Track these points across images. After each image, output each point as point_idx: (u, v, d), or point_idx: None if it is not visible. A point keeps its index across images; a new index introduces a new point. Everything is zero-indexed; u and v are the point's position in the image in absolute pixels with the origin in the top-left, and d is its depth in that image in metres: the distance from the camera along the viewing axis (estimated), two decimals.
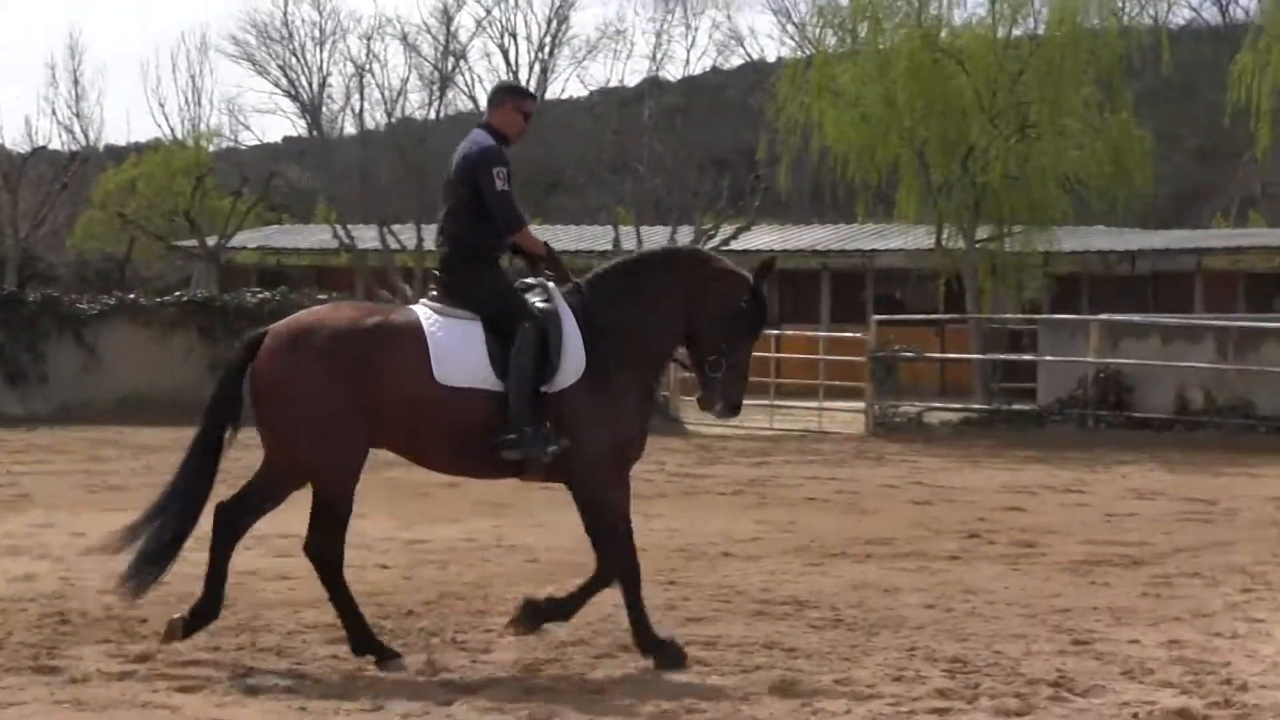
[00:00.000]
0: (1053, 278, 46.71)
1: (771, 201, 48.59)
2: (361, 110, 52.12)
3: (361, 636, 10.47)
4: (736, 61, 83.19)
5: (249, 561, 14.58)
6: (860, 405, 32.09)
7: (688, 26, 66.33)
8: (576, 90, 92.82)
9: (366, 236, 49.46)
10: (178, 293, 40.20)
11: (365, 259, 49.91)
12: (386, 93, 52.92)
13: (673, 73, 67.93)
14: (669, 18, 60.96)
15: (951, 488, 22.36)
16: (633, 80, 77.01)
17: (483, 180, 10.72)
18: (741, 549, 16.13)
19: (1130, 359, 30.98)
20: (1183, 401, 30.54)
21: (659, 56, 63.06)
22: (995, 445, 28.70)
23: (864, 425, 31.46)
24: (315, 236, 58.56)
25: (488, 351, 10.49)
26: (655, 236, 48.14)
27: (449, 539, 16.51)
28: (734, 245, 46.18)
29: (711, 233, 44.73)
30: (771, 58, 72.68)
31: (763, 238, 50.46)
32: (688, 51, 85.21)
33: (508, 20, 73.29)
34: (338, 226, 49.80)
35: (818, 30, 43.20)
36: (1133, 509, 20.04)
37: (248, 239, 58.98)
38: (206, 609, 10.51)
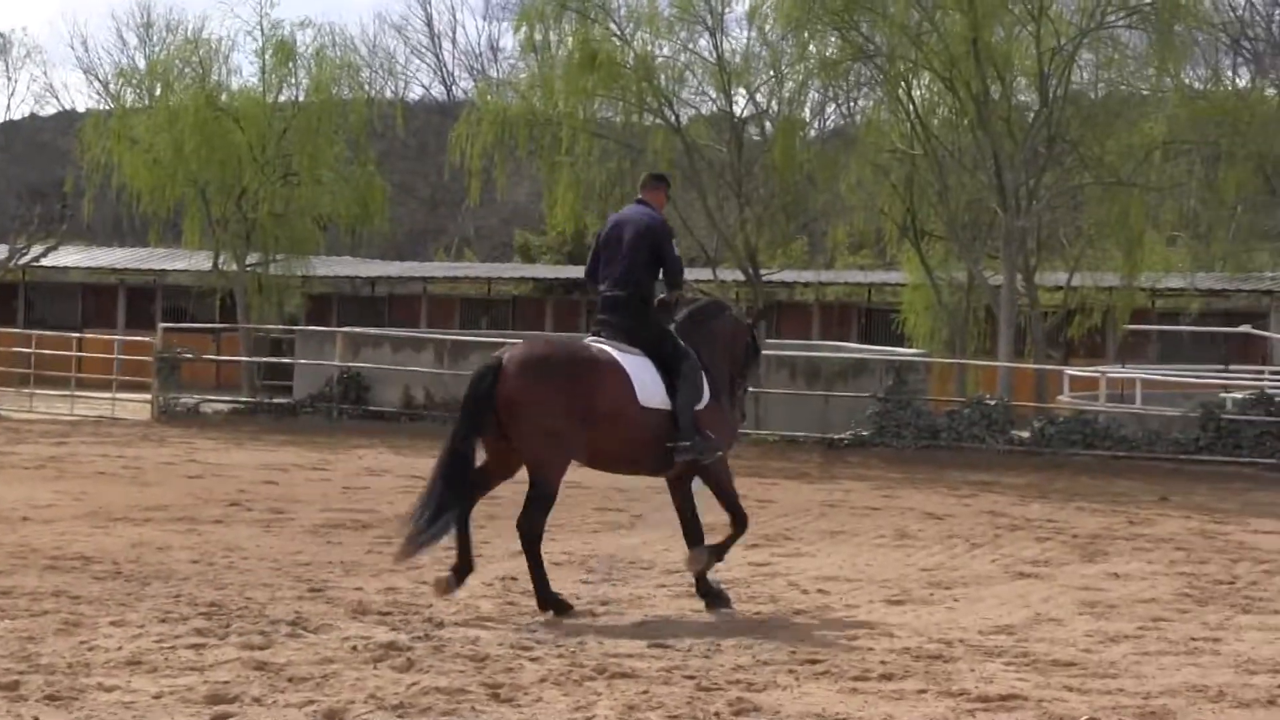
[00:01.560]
0: (309, 297, 46.89)
1: (78, 227, 47.20)
2: None
3: (546, 592, 10.87)
4: (51, 109, 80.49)
5: None
6: (148, 397, 31.31)
7: (9, 78, 63.53)
8: None
9: None
10: None
11: None
12: None
13: None
14: None
15: (220, 465, 22.03)
16: None
17: (665, 248, 11.49)
18: (39, 514, 15.52)
19: (368, 363, 31.20)
20: (409, 398, 30.93)
21: None
22: (258, 431, 28.43)
23: (150, 413, 30.68)
24: None
25: (662, 380, 11.24)
26: None
27: None
28: (44, 262, 44.46)
29: (24, 251, 42.91)
30: (81, 108, 70.43)
31: (70, 257, 48.81)
32: (9, 99, 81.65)
33: None
34: None
35: (119, 87, 41.90)
36: (365, 483, 20.16)
37: None
38: (465, 566, 10.99)
